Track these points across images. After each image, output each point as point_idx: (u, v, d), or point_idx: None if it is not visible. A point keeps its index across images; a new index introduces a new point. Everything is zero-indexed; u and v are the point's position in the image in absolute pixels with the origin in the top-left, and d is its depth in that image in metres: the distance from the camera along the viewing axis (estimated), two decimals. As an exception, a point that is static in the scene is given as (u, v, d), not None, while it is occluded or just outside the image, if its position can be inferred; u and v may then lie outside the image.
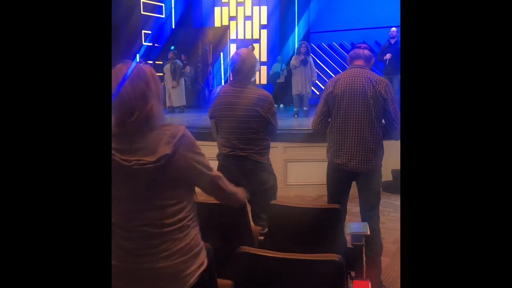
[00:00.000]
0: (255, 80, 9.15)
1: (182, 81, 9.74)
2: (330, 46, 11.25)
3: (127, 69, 1.44)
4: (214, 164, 2.88)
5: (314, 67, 7.99)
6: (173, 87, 9.48)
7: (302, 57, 7.75)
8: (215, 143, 3.01)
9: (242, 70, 2.77)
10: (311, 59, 7.94)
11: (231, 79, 2.89)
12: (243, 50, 2.90)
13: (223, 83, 11.14)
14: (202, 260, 1.56)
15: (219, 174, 1.61)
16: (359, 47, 2.84)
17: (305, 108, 7.99)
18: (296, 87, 7.90)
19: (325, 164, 2.97)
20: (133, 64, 1.48)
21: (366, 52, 2.81)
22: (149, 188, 1.44)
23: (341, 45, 11.05)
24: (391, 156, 3.08)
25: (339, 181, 2.87)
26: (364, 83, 2.68)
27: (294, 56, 8.01)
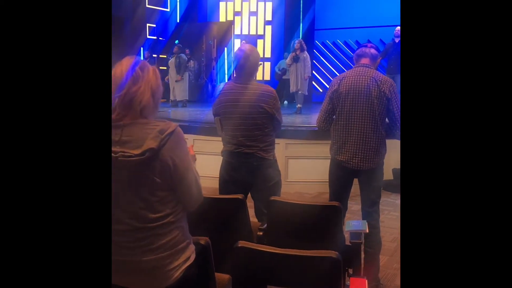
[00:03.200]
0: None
1: (186, 75, 9.73)
2: (334, 43, 11.21)
3: (129, 62, 1.48)
4: (217, 160, 2.92)
5: (308, 64, 7.90)
6: (177, 81, 9.47)
7: (294, 54, 7.78)
8: (218, 139, 3.02)
9: (245, 66, 2.75)
10: (305, 56, 7.87)
11: (234, 75, 2.88)
12: (247, 46, 2.86)
13: (226, 79, 11.13)
14: (188, 255, 1.56)
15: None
16: (366, 46, 2.86)
17: (298, 105, 7.95)
18: (292, 85, 7.94)
19: (326, 162, 2.99)
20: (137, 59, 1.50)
21: (373, 51, 2.83)
22: (134, 182, 1.44)
23: (345, 43, 11.02)
24: (392, 155, 3.09)
25: (341, 178, 2.88)
26: (369, 82, 2.70)
27: (289, 54, 8.03)
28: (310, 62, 8.05)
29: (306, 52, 7.95)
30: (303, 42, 7.98)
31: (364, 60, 2.81)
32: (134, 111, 1.45)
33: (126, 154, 1.40)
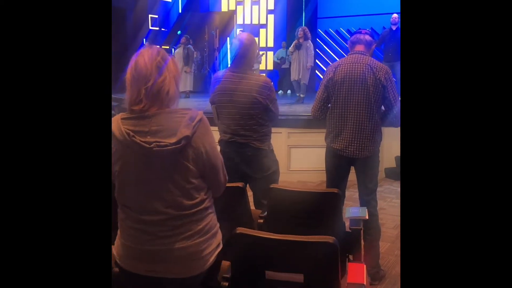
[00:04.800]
0: (258, 67, 9.11)
1: (193, 67, 9.70)
2: (337, 32, 11.16)
3: (150, 53, 1.49)
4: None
5: (311, 53, 7.80)
6: (186, 72, 9.43)
7: (297, 41, 7.72)
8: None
9: (242, 56, 2.71)
10: (308, 45, 7.78)
11: (231, 64, 2.83)
12: (244, 35, 2.81)
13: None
14: (219, 240, 1.61)
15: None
16: (360, 32, 2.83)
17: (301, 95, 7.90)
18: (293, 73, 7.89)
19: (329, 150, 2.99)
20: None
21: (367, 37, 2.80)
22: (170, 170, 1.47)
23: (348, 31, 10.94)
24: (395, 143, 3.09)
25: (337, 166, 2.89)
26: (364, 69, 2.68)
27: (293, 42, 7.98)
28: (313, 52, 7.98)
29: (310, 41, 7.86)
30: (307, 30, 7.88)
31: (359, 47, 2.79)
32: (160, 101, 1.47)
33: (161, 143, 1.42)
